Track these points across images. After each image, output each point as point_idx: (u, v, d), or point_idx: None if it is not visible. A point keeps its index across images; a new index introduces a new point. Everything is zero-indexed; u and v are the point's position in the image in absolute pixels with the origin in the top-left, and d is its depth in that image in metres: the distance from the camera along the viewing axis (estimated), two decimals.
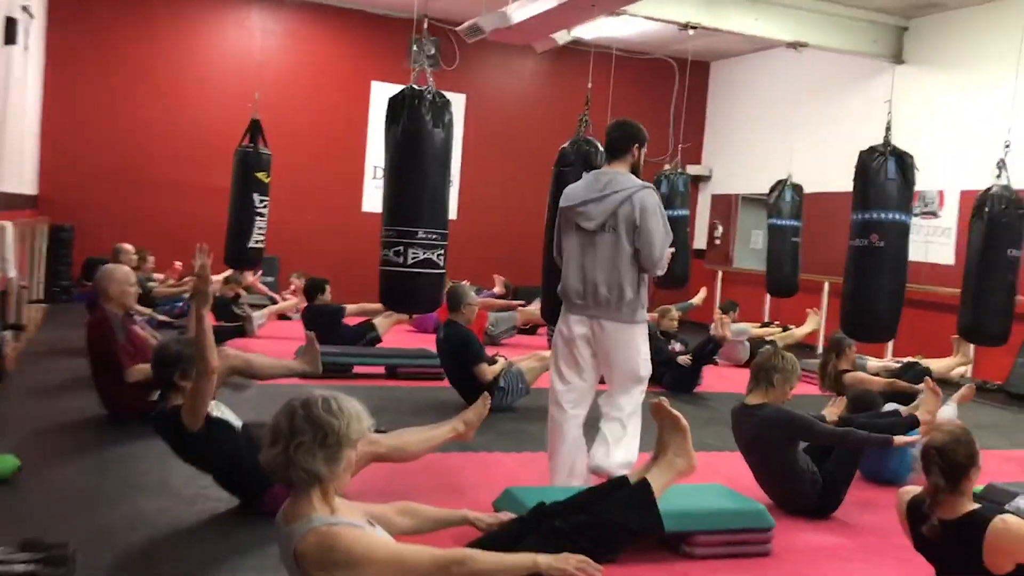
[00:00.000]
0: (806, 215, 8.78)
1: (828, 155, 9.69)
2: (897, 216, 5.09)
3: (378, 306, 7.84)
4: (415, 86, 4.43)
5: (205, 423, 3.34)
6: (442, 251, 4.45)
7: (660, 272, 3.83)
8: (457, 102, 11.20)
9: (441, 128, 4.39)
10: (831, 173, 9.68)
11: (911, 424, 4.06)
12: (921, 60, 9.43)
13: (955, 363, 6.64)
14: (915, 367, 6.45)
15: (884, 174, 5.11)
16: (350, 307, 7.60)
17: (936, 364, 6.54)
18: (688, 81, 12.23)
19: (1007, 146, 5.55)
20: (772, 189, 8.87)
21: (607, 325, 3.80)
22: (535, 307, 8.83)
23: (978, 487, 4.15)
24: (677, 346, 7.26)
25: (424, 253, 4.36)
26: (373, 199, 11.18)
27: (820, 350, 9.29)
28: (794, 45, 9.05)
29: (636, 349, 3.81)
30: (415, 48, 11.15)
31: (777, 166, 9.27)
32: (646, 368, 3.84)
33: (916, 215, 10.66)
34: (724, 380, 7.27)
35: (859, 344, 5.77)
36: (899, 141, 9.52)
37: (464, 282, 7.04)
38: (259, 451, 2.24)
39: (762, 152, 10.88)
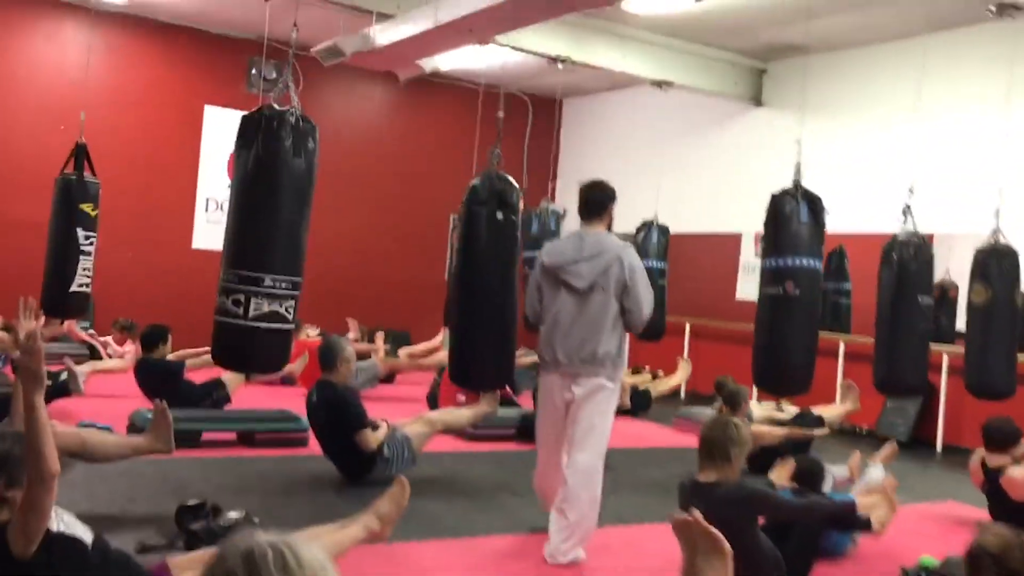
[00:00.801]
0: (672, 256, 8.61)
1: (694, 196, 9.64)
2: (811, 262, 4.88)
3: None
4: (275, 105, 3.73)
5: (42, 545, 2.45)
6: (292, 303, 3.80)
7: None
8: None
9: (303, 157, 3.75)
10: (696, 214, 9.78)
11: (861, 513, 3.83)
12: (778, 103, 9.55)
13: (845, 410, 6.57)
14: (808, 415, 6.36)
15: (797, 218, 4.86)
16: (189, 359, 6.58)
17: (828, 412, 6.44)
18: (542, 118, 12.01)
19: (911, 192, 5.48)
20: (638, 230, 8.65)
21: (596, 385, 3.99)
22: (436, 353, 8.24)
23: (933, 559, 3.90)
24: None
25: (270, 305, 3.69)
26: (206, 235, 10.14)
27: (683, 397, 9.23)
28: (659, 83, 8.94)
29: (610, 411, 4.03)
30: (253, 71, 10.51)
31: (642, 206, 9.05)
32: (609, 432, 4.04)
33: (757, 255, 10.95)
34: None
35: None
36: (753, 184, 9.72)
37: (350, 334, 6.27)
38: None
39: (624, 191, 10.64)
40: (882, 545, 4.23)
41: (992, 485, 5.02)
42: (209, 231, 10.16)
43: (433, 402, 7.57)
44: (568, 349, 3.97)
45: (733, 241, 10.22)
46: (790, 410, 7.09)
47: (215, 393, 6.34)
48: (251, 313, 3.66)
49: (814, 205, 4.88)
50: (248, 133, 3.78)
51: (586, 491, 3.96)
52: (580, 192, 4.20)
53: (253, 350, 3.75)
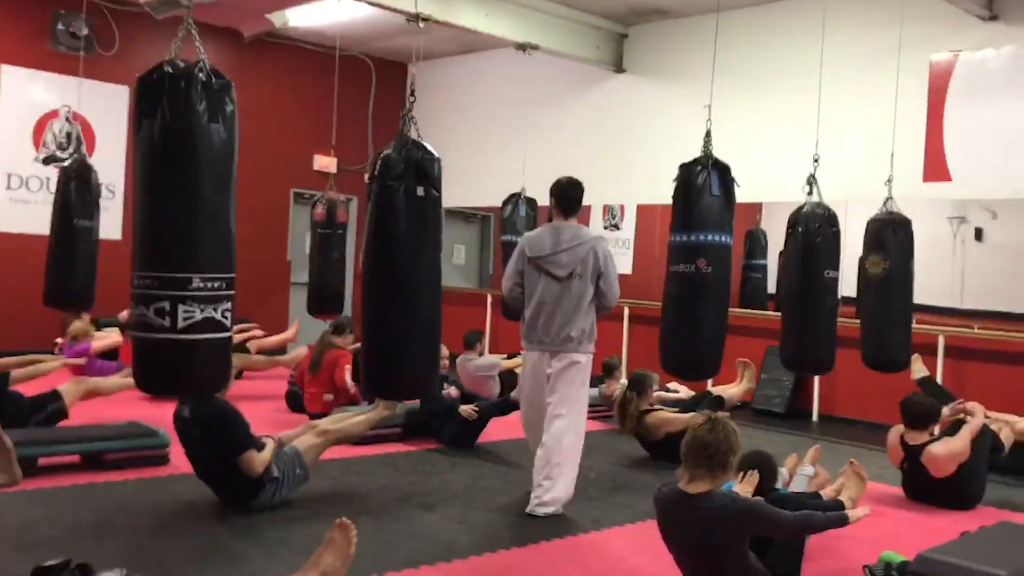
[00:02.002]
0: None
1: (561, 166, 9.21)
2: (723, 238, 4.58)
3: (51, 363, 5.94)
4: (179, 61, 2.96)
5: None
6: (229, 305, 3.09)
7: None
8: (119, 96, 9.21)
9: (221, 123, 3.00)
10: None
11: (839, 506, 3.68)
12: (639, 68, 9.28)
13: (743, 389, 6.44)
14: (707, 396, 6.26)
15: (709, 190, 4.51)
16: (14, 370, 5.51)
17: (727, 391, 6.38)
18: (391, 83, 11.29)
19: (816, 161, 5.28)
20: (505, 203, 8.20)
21: (571, 360, 4.64)
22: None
23: (895, 555, 3.67)
24: (452, 390, 6.26)
25: (203, 310, 2.94)
26: (8, 216, 8.82)
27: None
28: (523, 47, 8.44)
29: (586, 381, 4.74)
30: (60, 26, 9.19)
31: (508, 178, 8.58)
32: (586, 401, 4.78)
33: (605, 227, 10.97)
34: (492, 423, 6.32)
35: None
36: (606, 152, 9.50)
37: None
38: None
39: (487, 162, 10.15)
40: (826, 537, 3.95)
41: (912, 463, 4.91)
42: (13, 211, 8.84)
43: (293, 401, 6.85)
44: (551, 329, 4.64)
45: (583, 213, 10.24)
46: (679, 390, 6.89)
47: (49, 406, 5.36)
48: (181, 323, 2.96)
49: (725, 176, 4.58)
50: (148, 99, 3.04)
51: (567, 456, 4.60)
52: (558, 189, 4.85)
53: (189, 369, 3.05)
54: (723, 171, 4.55)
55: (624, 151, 9.20)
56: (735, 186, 4.59)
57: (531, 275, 4.73)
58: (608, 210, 11.03)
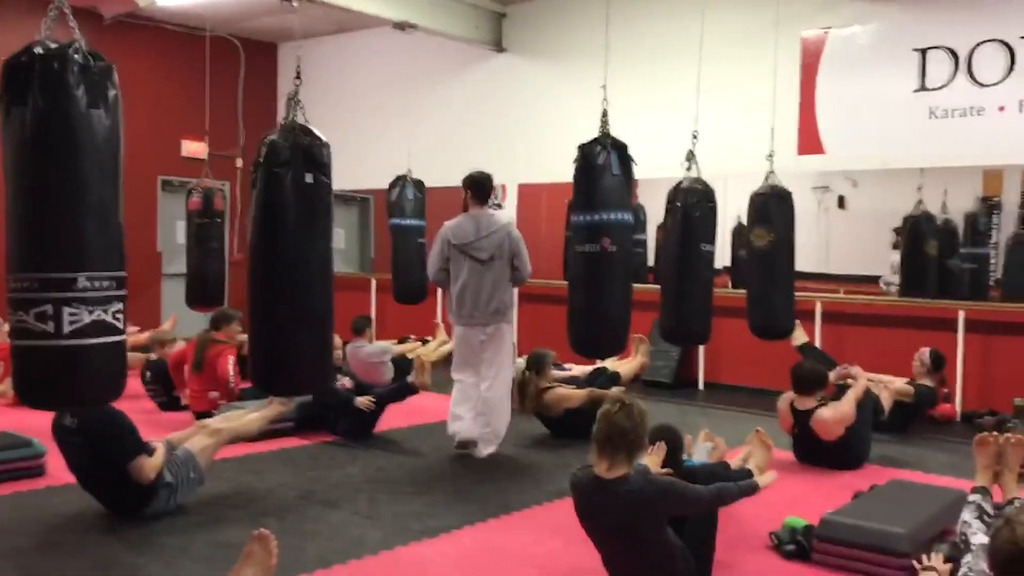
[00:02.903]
0: (429, 213, 8.17)
1: (446, 146, 9.13)
2: (625, 216, 4.68)
3: None
4: (51, 43, 2.69)
5: None
6: (121, 306, 2.87)
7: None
8: None
9: (103, 109, 2.74)
10: (449, 166, 9.27)
11: (748, 474, 3.77)
12: (519, 48, 9.25)
13: (638, 364, 6.56)
14: (603, 373, 6.34)
15: (609, 170, 4.56)
16: None
17: (623, 367, 6.44)
18: (261, 64, 10.89)
19: (695, 137, 5.38)
20: (392, 185, 8.06)
21: (499, 328, 5.45)
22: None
23: (799, 520, 3.79)
24: (346, 381, 6.08)
25: (92, 312, 2.70)
26: None
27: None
28: (402, 25, 8.25)
29: (509, 345, 5.61)
30: None
31: (394, 160, 8.42)
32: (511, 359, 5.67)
33: (489, 207, 10.96)
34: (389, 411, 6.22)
35: None
36: (488, 132, 9.44)
37: None
38: None
39: (369, 144, 9.91)
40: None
41: (802, 427, 5.09)
42: None
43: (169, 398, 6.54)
44: (478, 304, 5.39)
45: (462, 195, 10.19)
46: (572, 368, 6.94)
47: None
48: (67, 328, 2.70)
49: (623, 154, 4.66)
50: (17, 85, 2.76)
51: (501, 404, 5.48)
52: (472, 181, 5.63)
53: (78, 378, 2.78)
54: (622, 150, 4.63)
55: (505, 130, 9.18)
56: (633, 164, 4.65)
57: (457, 260, 5.43)
58: (496, 194, 10.98)
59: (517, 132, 9.07)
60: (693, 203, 5.20)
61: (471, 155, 9.33)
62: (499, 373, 5.47)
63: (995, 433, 3.27)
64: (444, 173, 9.19)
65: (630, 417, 3.04)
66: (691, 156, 5.32)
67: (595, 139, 4.57)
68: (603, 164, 4.51)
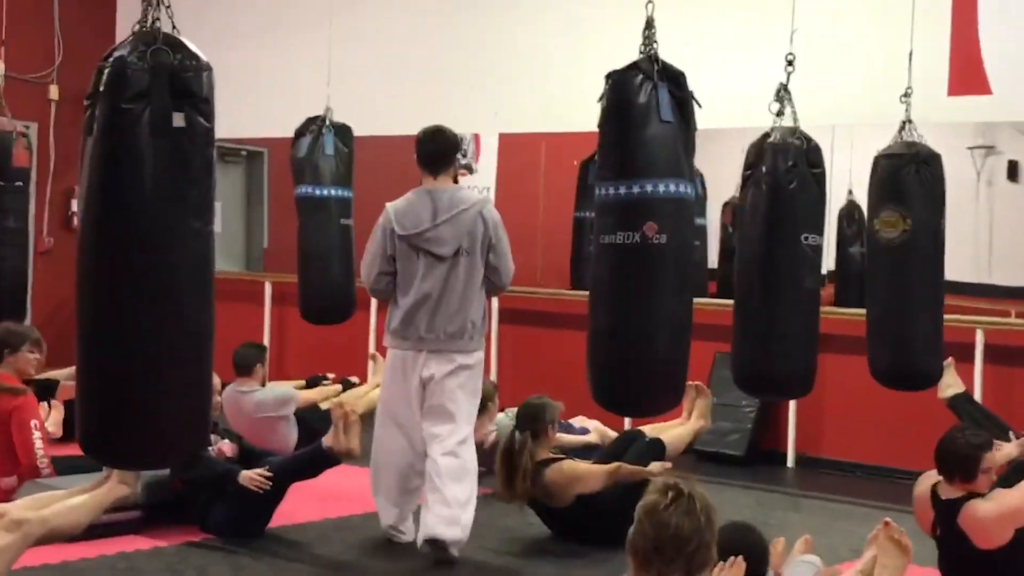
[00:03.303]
0: (360, 178, 8.20)
1: (384, 76, 9.18)
2: (681, 188, 4.61)
3: None
4: None
5: None
6: None
7: None
8: None
9: None
10: (387, 106, 9.42)
11: None
12: None
13: (693, 428, 6.70)
14: (639, 439, 6.46)
15: (657, 113, 4.63)
16: None
17: (668, 432, 6.54)
18: None
19: (789, 64, 5.35)
20: (300, 132, 8.07)
21: (455, 359, 5.67)
22: None
23: None
24: (224, 445, 6.21)
25: None
26: None
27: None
28: None
29: (478, 387, 5.91)
30: None
31: (304, 97, 8.43)
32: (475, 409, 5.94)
33: (455, 171, 11.03)
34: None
35: None
36: (453, 57, 9.45)
37: None
38: None
39: (253, 73, 9.90)
40: None
41: (947, 525, 5.15)
42: None
43: None
44: (435, 324, 5.61)
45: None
46: (588, 427, 7.00)
47: None
48: None
49: (680, 89, 4.63)
50: None
51: (465, 476, 5.64)
52: (419, 142, 5.82)
53: None
54: (676, 83, 4.61)
55: (482, 48, 9.18)
56: (695, 106, 4.68)
57: (406, 257, 5.68)
58: (472, 148, 11.11)
59: (499, 51, 9.07)
60: (788, 168, 5.22)
61: (428, 88, 9.39)
62: (458, 429, 5.69)
63: None
64: (384, 115, 9.17)
65: (690, 515, 3.04)
66: (784, 94, 5.34)
67: (634, 64, 4.55)
68: (647, 104, 4.51)
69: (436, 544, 5.55)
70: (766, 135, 5.33)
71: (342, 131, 8.03)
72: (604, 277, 4.64)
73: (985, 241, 10.93)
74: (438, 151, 5.84)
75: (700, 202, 10.61)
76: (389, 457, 5.88)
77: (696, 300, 8.92)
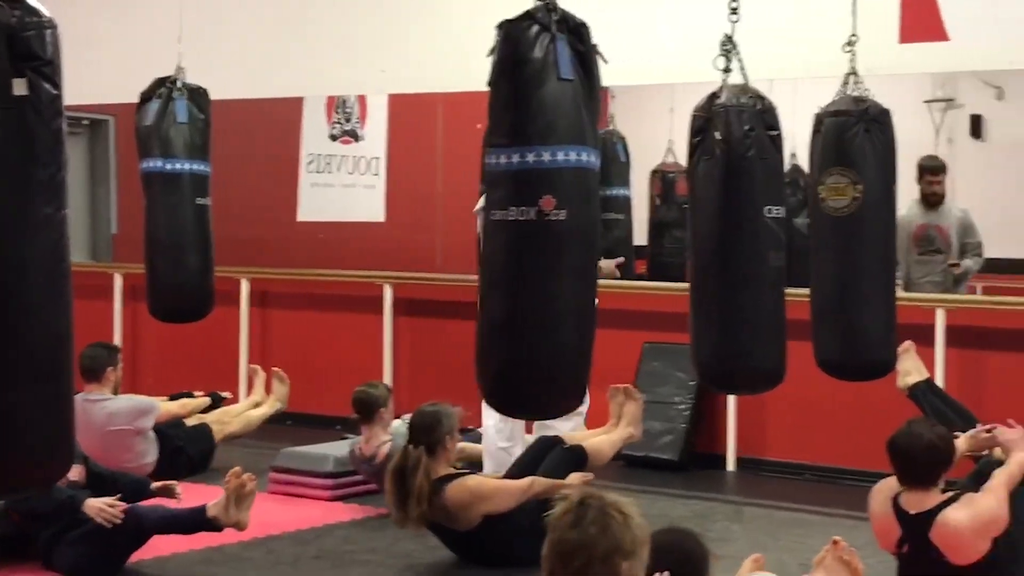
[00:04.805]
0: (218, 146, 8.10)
1: (249, 30, 9.05)
2: (583, 157, 4.61)
3: None
4: None
5: None
6: None
7: None
8: None
9: None
10: (260, 62, 9.34)
11: None
12: None
13: (620, 436, 6.77)
14: (557, 447, 6.45)
15: (556, 70, 4.61)
16: None
17: (593, 440, 6.62)
18: None
19: (734, 12, 5.40)
20: (146, 97, 7.96)
21: None
22: None
23: None
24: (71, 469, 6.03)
25: None
26: None
27: None
28: None
29: None
30: None
31: (154, 56, 8.32)
32: None
33: (334, 138, 11.02)
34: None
35: None
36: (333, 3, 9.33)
37: None
38: None
39: (93, 28, 9.75)
40: None
41: (916, 542, 5.18)
42: None
43: None
44: None
45: (290, 110, 10.21)
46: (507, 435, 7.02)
47: None
48: None
49: (582, 41, 4.64)
50: None
51: None
52: None
53: None
54: (578, 34, 4.61)
55: (362, 1, 9.13)
56: (600, 62, 4.68)
57: None
58: (337, 106, 11.04)
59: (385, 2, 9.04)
60: (745, 133, 5.27)
61: (300, 42, 9.30)
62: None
63: None
64: (247, 75, 9.07)
65: (603, 528, 3.08)
66: (729, 46, 5.39)
67: (528, 13, 4.53)
68: (543, 59, 4.50)
69: None
70: (714, 95, 5.35)
71: (197, 95, 7.92)
72: (495, 259, 4.64)
73: None
74: None
75: (623, 170, 10.68)
76: None
77: (621, 284, 9.11)
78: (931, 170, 9.07)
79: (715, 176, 5.30)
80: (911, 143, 9.13)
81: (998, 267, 11.08)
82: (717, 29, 5.42)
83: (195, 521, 5.96)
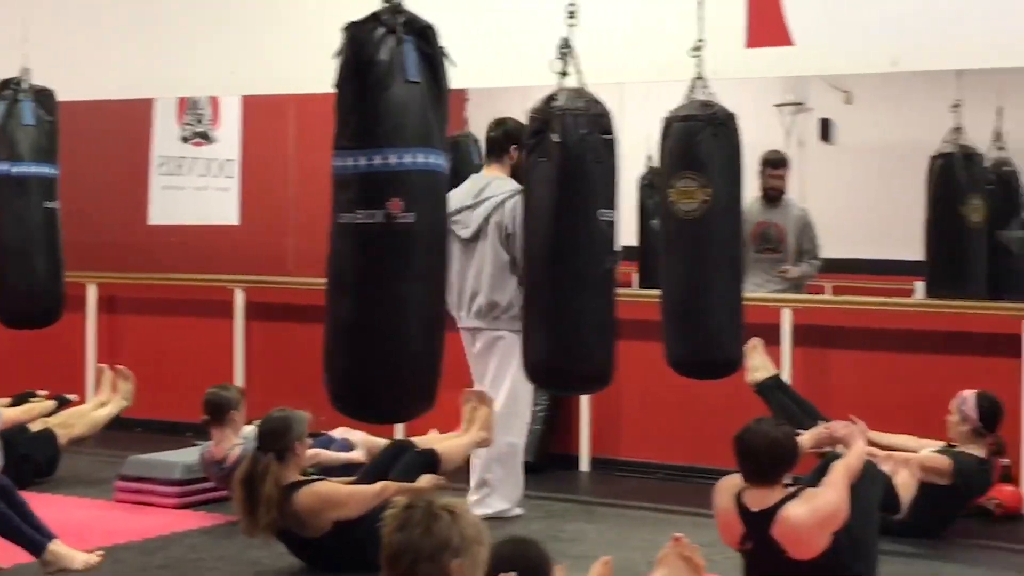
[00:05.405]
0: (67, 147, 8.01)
1: (100, 30, 8.91)
2: (432, 159, 4.68)
3: None
4: None
5: None
6: None
7: None
8: None
9: None
10: (109, 62, 9.19)
11: None
12: None
13: (471, 439, 6.72)
14: (408, 450, 6.47)
15: (401, 72, 4.62)
16: None
17: (445, 444, 6.60)
18: None
19: (571, 15, 5.46)
20: None
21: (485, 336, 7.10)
22: None
23: None
24: None
25: None
26: None
27: None
28: None
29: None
30: None
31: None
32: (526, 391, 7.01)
33: (186, 140, 10.90)
34: None
35: None
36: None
37: None
38: None
39: None
40: None
41: (759, 539, 5.26)
42: None
43: None
44: (456, 301, 7.03)
45: (140, 112, 10.14)
46: (352, 438, 7.00)
47: None
48: None
49: (428, 44, 4.69)
50: None
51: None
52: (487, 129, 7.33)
53: None
54: (424, 37, 4.65)
55: (211, 1, 9.04)
56: (448, 64, 4.73)
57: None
58: (188, 108, 10.93)
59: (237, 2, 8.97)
60: (581, 136, 5.31)
61: (149, 42, 9.17)
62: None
63: None
64: (95, 76, 8.95)
65: (428, 528, 3.11)
66: (567, 50, 5.43)
67: (374, 15, 4.57)
68: (389, 62, 4.54)
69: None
70: (551, 97, 5.38)
71: (43, 96, 7.81)
72: (343, 263, 4.67)
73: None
74: (489, 139, 7.32)
75: (477, 172, 10.71)
76: None
77: None
78: (773, 163, 9.12)
79: (552, 178, 5.33)
80: (762, 145, 9.35)
81: (847, 267, 11.31)
82: (570, 32, 5.46)
83: (31, 546, 5.80)
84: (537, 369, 5.52)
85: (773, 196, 9.07)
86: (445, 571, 3.14)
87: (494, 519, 6.46)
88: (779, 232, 9.15)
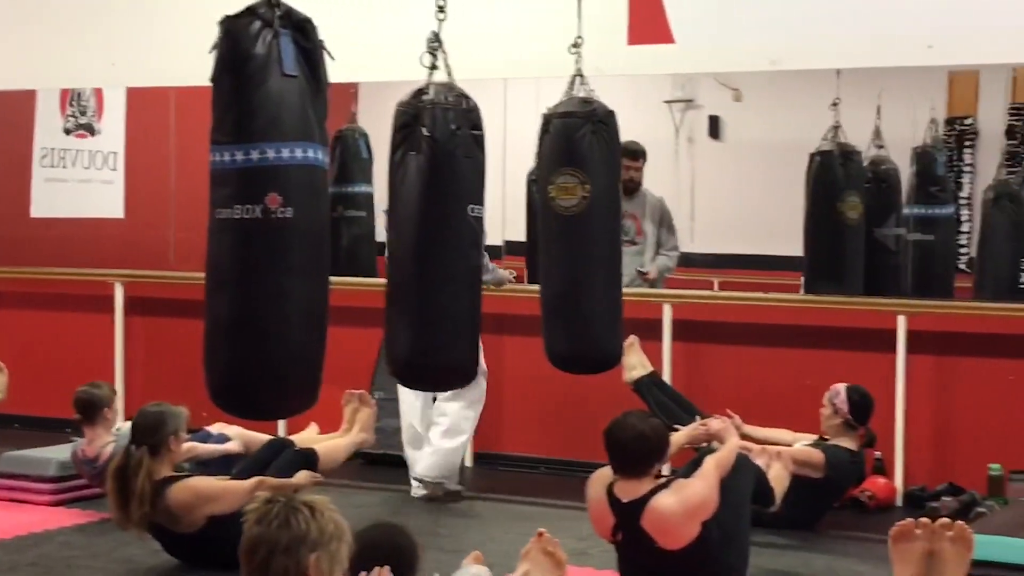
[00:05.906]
0: None
1: None
2: (311, 153, 4.68)
3: None
4: None
5: None
6: None
7: None
8: None
9: None
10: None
11: None
12: None
13: (353, 442, 6.79)
14: (286, 448, 6.47)
15: (279, 65, 4.63)
16: None
17: (325, 444, 6.63)
18: None
19: (441, 9, 5.46)
20: None
21: None
22: None
23: None
24: None
25: None
26: None
27: None
28: None
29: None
30: None
31: None
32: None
33: (68, 132, 10.80)
34: None
35: None
36: None
37: None
38: None
39: None
40: None
41: (629, 530, 5.33)
42: None
43: None
44: None
45: (22, 103, 10.07)
46: (227, 433, 6.99)
47: None
48: None
49: (306, 38, 4.69)
50: None
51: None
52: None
53: None
54: (302, 30, 4.65)
55: None
56: (326, 57, 4.73)
57: None
58: (72, 99, 10.83)
59: None
60: (451, 132, 5.32)
61: (24, 32, 9.08)
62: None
63: (925, 521, 3.54)
64: None
65: (285, 522, 3.17)
66: (436, 44, 5.45)
67: (249, 8, 4.56)
68: (266, 56, 4.53)
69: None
70: (421, 91, 5.38)
71: None
72: (221, 259, 4.68)
73: (687, 206, 11.40)
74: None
75: (365, 166, 10.70)
76: None
77: (361, 281, 9.12)
78: (630, 154, 8.69)
79: (421, 172, 5.32)
80: (651, 142, 9.40)
81: (736, 263, 11.47)
82: (457, 25, 5.48)
83: None
84: (400, 365, 5.51)
85: (630, 188, 8.69)
86: (302, 565, 3.18)
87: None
88: (636, 223, 9.04)
